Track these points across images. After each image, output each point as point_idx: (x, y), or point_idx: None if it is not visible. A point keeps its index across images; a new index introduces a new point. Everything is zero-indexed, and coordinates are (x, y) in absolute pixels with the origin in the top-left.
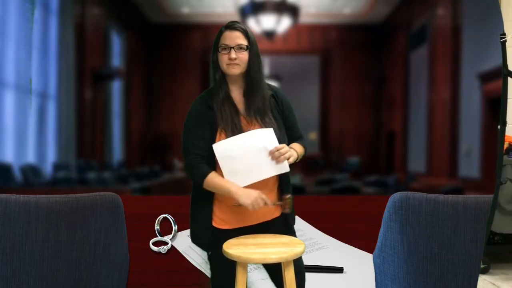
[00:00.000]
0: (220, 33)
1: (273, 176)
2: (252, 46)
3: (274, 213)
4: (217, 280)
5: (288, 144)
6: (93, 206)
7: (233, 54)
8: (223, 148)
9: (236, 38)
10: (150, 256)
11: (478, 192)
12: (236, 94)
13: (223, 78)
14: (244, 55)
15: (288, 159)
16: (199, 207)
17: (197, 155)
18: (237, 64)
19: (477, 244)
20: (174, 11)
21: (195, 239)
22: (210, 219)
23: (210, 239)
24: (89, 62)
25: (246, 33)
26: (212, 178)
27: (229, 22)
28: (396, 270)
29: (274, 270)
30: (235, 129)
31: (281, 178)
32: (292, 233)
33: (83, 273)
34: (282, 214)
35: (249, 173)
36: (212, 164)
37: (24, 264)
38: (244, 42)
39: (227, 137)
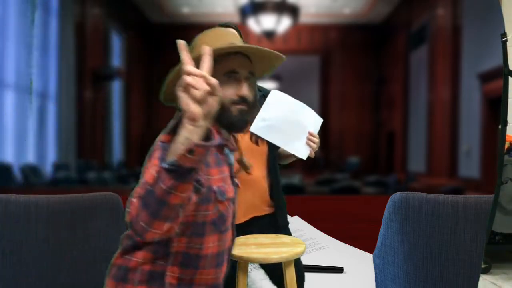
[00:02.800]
0: None
1: (265, 183)
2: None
3: (262, 210)
4: None
5: None
6: (93, 206)
7: None
8: (277, 97)
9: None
10: None
11: (478, 192)
12: None
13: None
14: None
15: (313, 149)
16: None
17: None
18: None
19: (477, 244)
20: (174, 11)
21: None
22: None
23: None
24: (89, 62)
25: (239, 31)
26: None
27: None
28: (396, 270)
29: (272, 270)
30: None
31: (272, 185)
32: (279, 228)
33: (83, 273)
34: (273, 212)
35: (278, 131)
36: None
37: (24, 264)
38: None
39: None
